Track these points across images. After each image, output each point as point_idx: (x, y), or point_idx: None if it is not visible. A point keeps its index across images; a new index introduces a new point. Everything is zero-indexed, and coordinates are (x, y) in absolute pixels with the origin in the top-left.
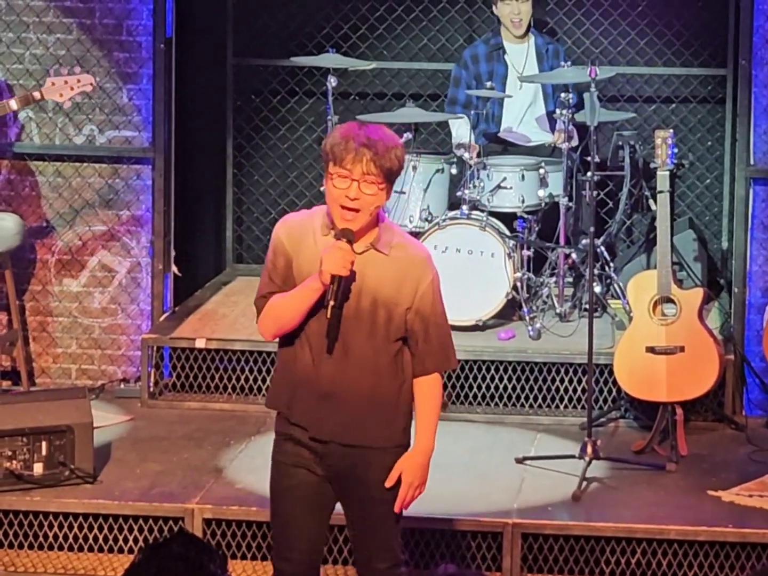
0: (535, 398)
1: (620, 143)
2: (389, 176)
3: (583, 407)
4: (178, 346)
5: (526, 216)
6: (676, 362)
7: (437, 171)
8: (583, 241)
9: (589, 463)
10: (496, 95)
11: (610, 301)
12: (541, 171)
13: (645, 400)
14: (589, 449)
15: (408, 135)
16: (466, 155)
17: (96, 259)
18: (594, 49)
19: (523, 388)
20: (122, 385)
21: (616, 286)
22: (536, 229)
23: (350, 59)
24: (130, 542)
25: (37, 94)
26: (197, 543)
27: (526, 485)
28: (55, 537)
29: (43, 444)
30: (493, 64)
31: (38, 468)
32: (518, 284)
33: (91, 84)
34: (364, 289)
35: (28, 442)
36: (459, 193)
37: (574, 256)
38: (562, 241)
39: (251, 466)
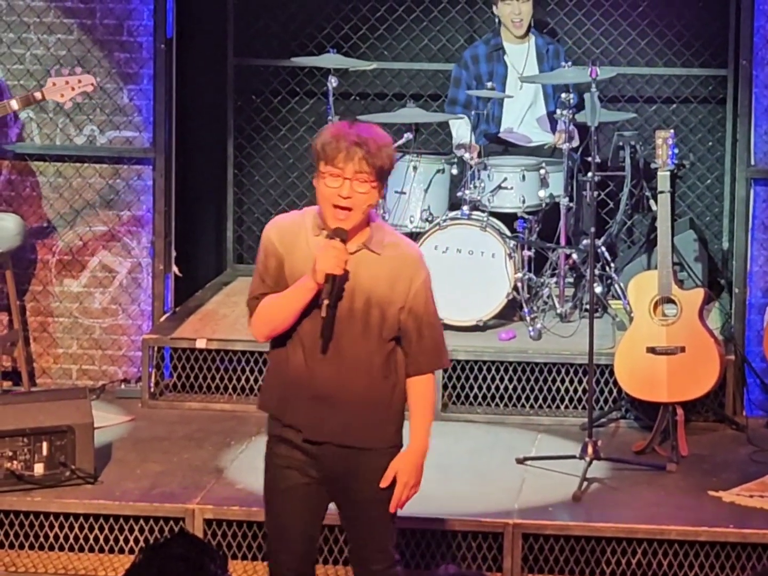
0: (536, 399)
1: (621, 144)
2: (381, 174)
3: (583, 408)
4: (178, 347)
5: (526, 216)
6: (677, 362)
7: (438, 171)
8: (584, 242)
9: (590, 463)
10: (496, 95)
11: (610, 302)
12: (542, 171)
13: (646, 401)
14: (590, 449)
15: (409, 135)
16: (467, 156)
17: (97, 260)
18: (595, 50)
19: (523, 389)
20: (123, 386)
21: (616, 286)
22: (537, 229)
23: (351, 59)
24: (131, 542)
25: (38, 95)
26: (198, 543)
27: (527, 485)
28: (56, 537)
29: (44, 444)
30: (493, 64)
31: (39, 468)
32: (519, 284)
33: (92, 84)
34: (358, 289)
35: (28, 442)
36: (460, 194)
37: (574, 256)
38: (562, 241)
39: (252, 467)
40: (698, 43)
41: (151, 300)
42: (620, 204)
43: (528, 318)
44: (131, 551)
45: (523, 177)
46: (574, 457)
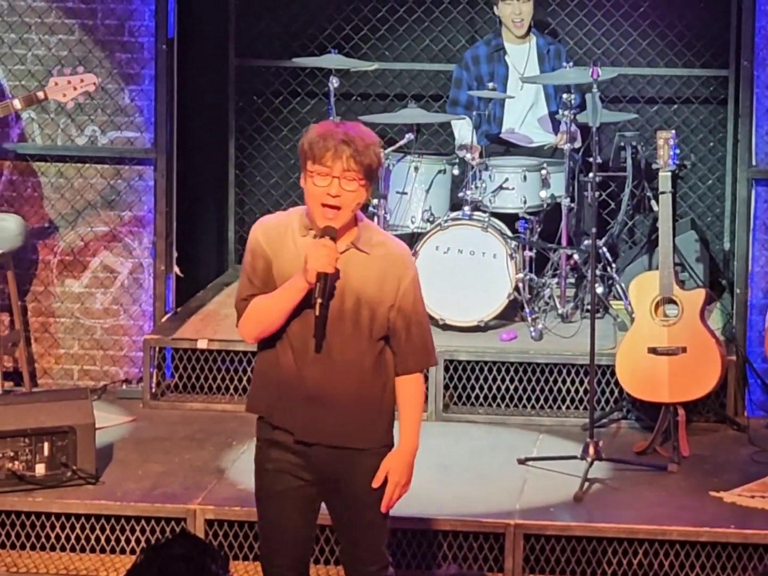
0: (537, 399)
1: (622, 144)
2: (369, 172)
3: (585, 408)
4: (180, 347)
5: (528, 217)
6: (678, 363)
7: (439, 172)
8: (585, 242)
9: (591, 464)
10: (497, 96)
11: (612, 302)
12: (543, 172)
13: (647, 401)
14: (591, 450)
15: (410, 136)
16: (468, 156)
17: (98, 260)
18: (596, 50)
19: (525, 389)
20: (124, 386)
21: (618, 287)
22: (538, 230)
23: (352, 60)
24: (132, 543)
25: (40, 94)
26: (199, 544)
27: (528, 486)
28: (57, 538)
29: (45, 445)
30: (494, 65)
31: (40, 469)
32: (520, 285)
33: (94, 83)
34: (347, 288)
35: (30, 443)
36: (461, 194)
37: (576, 257)
38: (564, 242)
39: (253, 467)
40: (699, 43)
41: (153, 300)
42: (621, 204)
43: (529, 318)
44: (132, 552)
45: (525, 177)
46: (575, 457)
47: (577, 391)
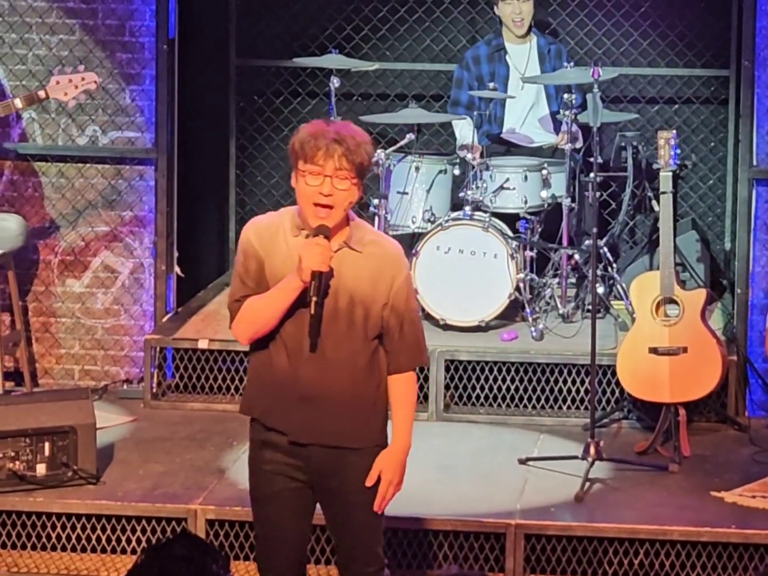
0: (538, 399)
1: (623, 144)
2: (361, 171)
3: (586, 408)
4: (180, 347)
5: (528, 217)
6: (679, 363)
7: (440, 172)
8: (586, 242)
9: (592, 464)
10: (498, 96)
11: (613, 302)
12: (544, 172)
13: (648, 401)
14: (592, 450)
15: (411, 136)
16: (469, 156)
17: (99, 260)
18: (597, 50)
19: (525, 389)
20: (125, 386)
21: (618, 287)
22: (539, 230)
23: (353, 60)
24: (133, 543)
25: (42, 93)
26: (200, 544)
27: (529, 486)
28: (58, 538)
29: (46, 445)
30: (495, 65)
31: (41, 469)
32: (521, 285)
33: (95, 82)
34: (341, 288)
35: (31, 443)
36: (462, 194)
37: (576, 256)
38: (564, 242)
39: None
40: (700, 43)
41: (153, 300)
42: (622, 204)
43: (530, 318)
44: (133, 552)
45: (526, 177)
46: (576, 457)
47: (578, 391)
